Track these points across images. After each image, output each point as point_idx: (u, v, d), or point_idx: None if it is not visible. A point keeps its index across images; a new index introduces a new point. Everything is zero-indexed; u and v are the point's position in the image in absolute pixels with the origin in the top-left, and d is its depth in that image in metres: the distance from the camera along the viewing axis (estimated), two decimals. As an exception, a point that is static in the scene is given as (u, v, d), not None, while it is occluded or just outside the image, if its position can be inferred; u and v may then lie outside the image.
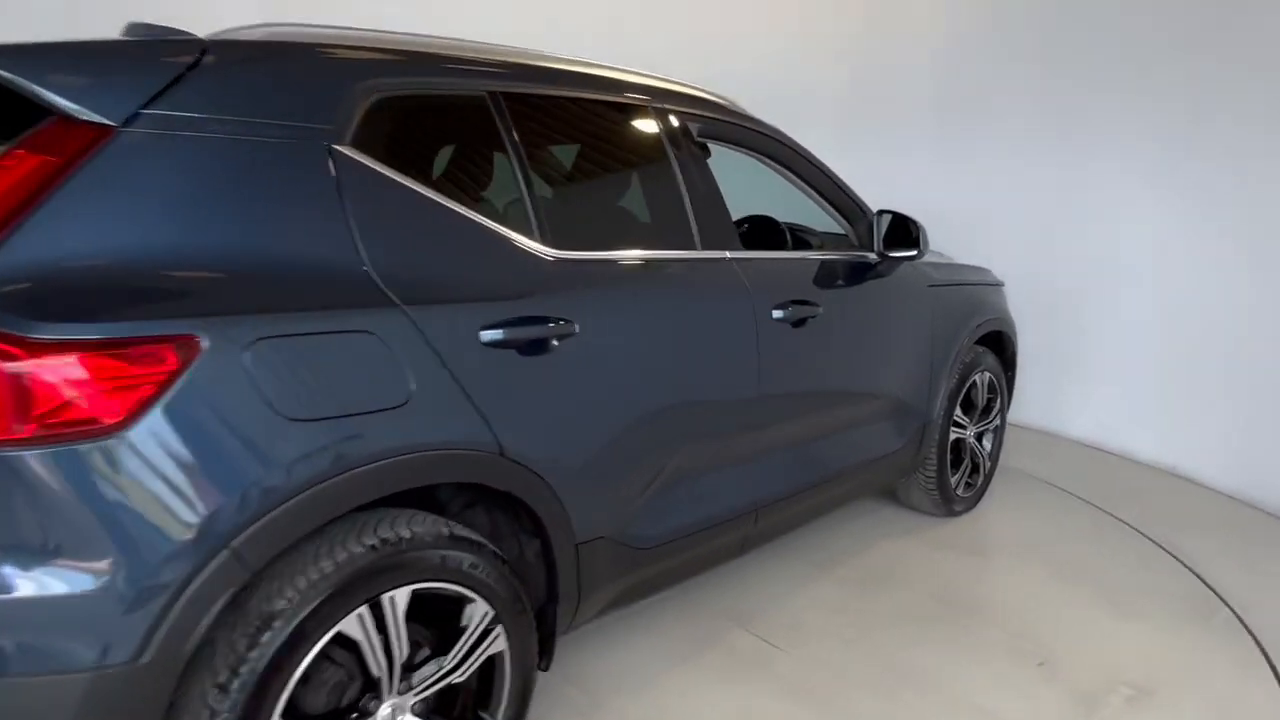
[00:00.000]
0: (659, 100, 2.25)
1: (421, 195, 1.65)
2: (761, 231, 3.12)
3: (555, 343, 1.76)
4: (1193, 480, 4.17)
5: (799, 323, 2.42)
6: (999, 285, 3.66)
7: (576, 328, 1.80)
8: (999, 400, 3.58)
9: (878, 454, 2.89)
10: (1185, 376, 4.25)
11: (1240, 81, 3.95)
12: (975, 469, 3.54)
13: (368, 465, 1.44)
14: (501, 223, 1.77)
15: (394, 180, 1.62)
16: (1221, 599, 2.91)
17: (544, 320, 1.74)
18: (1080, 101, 4.55)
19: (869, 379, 2.84)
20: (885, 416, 2.93)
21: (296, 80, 1.57)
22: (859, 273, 2.78)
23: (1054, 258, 4.73)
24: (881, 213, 2.82)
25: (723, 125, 2.46)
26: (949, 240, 3.82)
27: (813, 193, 2.79)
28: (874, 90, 5.55)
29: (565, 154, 2.16)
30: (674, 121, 2.26)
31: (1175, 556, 3.24)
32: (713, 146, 2.54)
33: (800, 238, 3.13)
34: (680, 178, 2.21)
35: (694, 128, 2.33)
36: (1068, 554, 3.21)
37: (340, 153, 1.55)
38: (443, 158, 1.85)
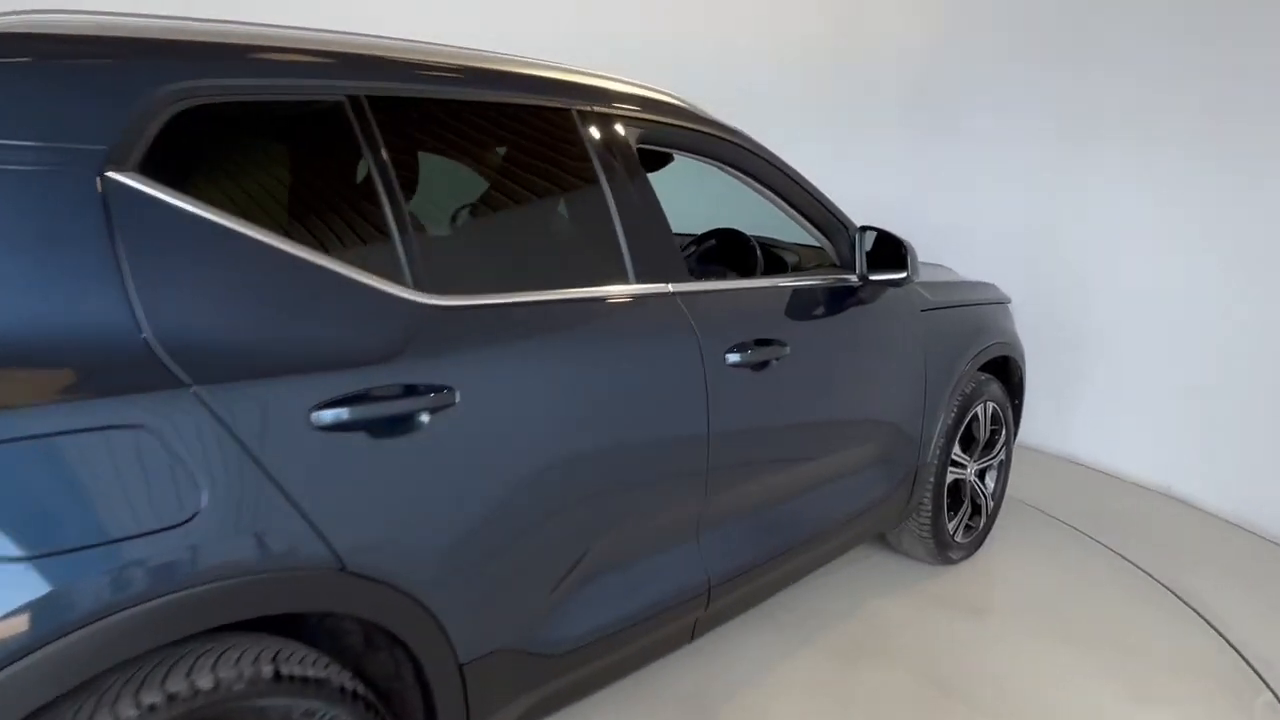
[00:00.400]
0: (584, 100, 1.84)
1: (236, 234, 1.26)
2: (729, 249, 2.73)
3: (425, 418, 1.38)
4: (1193, 505, 3.87)
5: (761, 366, 2.02)
6: (1005, 303, 3.25)
7: (457, 396, 1.41)
8: (1003, 432, 3.17)
9: (861, 507, 2.50)
10: (1190, 395, 3.93)
11: (1260, 78, 3.52)
12: (976, 510, 3.14)
13: (126, 611, 1.07)
14: (358, 264, 1.39)
15: (195, 216, 1.23)
16: (1260, 677, 2.51)
17: (409, 391, 1.36)
18: (1081, 100, 4.15)
19: (850, 425, 2.44)
20: (870, 464, 2.53)
21: (58, 88, 1.18)
22: (838, 300, 2.37)
23: (1045, 269, 4.37)
24: (865, 229, 2.42)
25: (672, 130, 2.06)
26: (929, 253, 3.45)
27: (784, 205, 2.38)
28: (844, 87, 5.11)
29: (454, 172, 1.75)
30: (604, 126, 1.86)
31: (1203, 616, 2.84)
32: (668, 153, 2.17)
33: (775, 255, 2.73)
34: (610, 195, 1.81)
35: (632, 134, 1.93)
36: (1079, 612, 2.81)
37: (115, 182, 1.17)
38: (276, 183, 1.45)
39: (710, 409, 1.88)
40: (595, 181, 1.81)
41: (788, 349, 2.08)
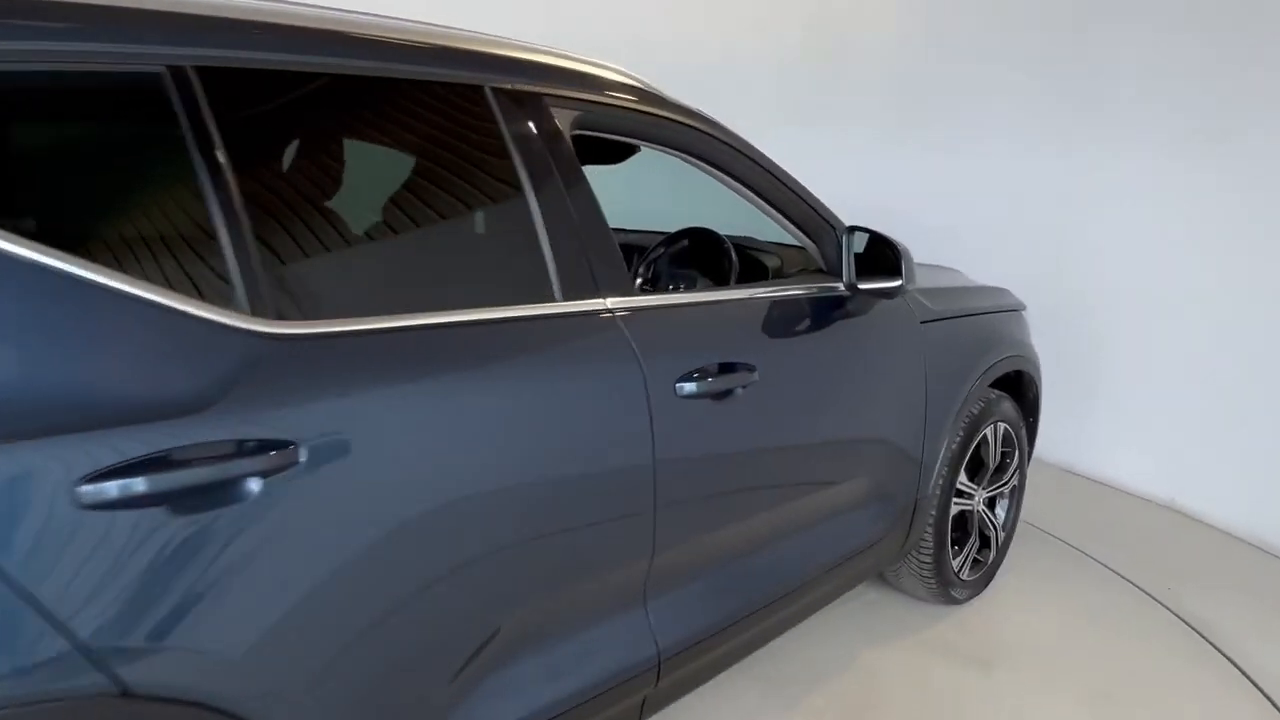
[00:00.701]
0: (502, 76, 1.51)
1: (-21, 249, 0.95)
2: (703, 251, 2.39)
3: (254, 485, 1.06)
4: (1201, 519, 3.58)
5: (723, 395, 1.69)
6: (1019, 310, 2.90)
7: (301, 454, 1.09)
8: (1016, 455, 2.83)
9: (848, 551, 2.17)
10: (1196, 403, 3.63)
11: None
12: (985, 543, 2.80)
13: None
14: (165, 283, 1.06)
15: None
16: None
17: (232, 450, 1.04)
18: (1087, 81, 3.77)
19: (834, 459, 2.10)
20: (860, 502, 2.20)
21: None
22: (822, 313, 2.04)
23: (1049, 270, 4.00)
24: (853, 230, 2.08)
25: (619, 114, 1.73)
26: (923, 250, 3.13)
27: (760, 202, 2.04)
28: (828, 66, 4.75)
29: (317, 165, 1.40)
30: (528, 108, 1.53)
31: (1239, 667, 2.49)
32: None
33: (752, 258, 2.39)
34: (531, 193, 1.48)
35: (566, 118, 1.60)
36: (1097, 661, 2.47)
37: None
38: (54, 178, 1.13)
39: (656, 450, 1.55)
40: (513, 175, 1.47)
41: (756, 374, 1.75)
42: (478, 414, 1.31)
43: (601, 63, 1.79)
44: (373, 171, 1.46)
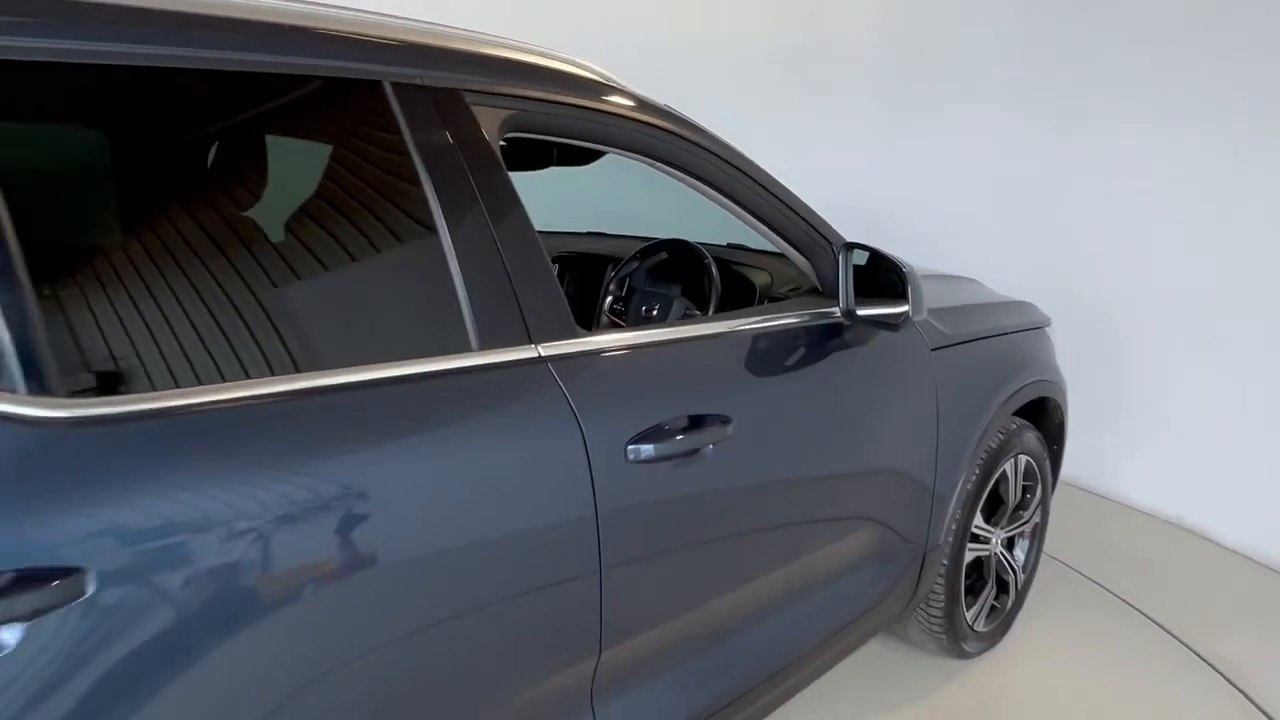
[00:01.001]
0: (409, 68, 1.21)
1: None
2: (683, 266, 2.10)
3: (17, 634, 0.78)
4: (1210, 538, 3.38)
5: (688, 455, 1.40)
6: (1042, 327, 2.58)
7: (89, 583, 0.82)
8: (1038, 489, 2.52)
9: (846, 618, 1.88)
10: (1207, 415, 3.39)
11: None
12: (1002, 588, 2.50)
13: None
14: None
15: None
16: None
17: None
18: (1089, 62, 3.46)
19: (826, 518, 1.79)
20: (857, 564, 1.90)
21: None
22: (814, 346, 1.73)
23: (1047, 272, 3.70)
24: (851, 247, 1.77)
25: (567, 113, 1.42)
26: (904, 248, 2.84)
27: (743, 213, 1.74)
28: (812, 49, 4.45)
29: (140, 183, 1.08)
30: (440, 108, 1.23)
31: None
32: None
33: (739, 274, 2.09)
34: (441, 217, 1.19)
35: (492, 120, 1.30)
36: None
37: None
38: None
39: (602, 530, 1.27)
40: (417, 193, 1.18)
41: (731, 428, 1.45)
42: (350, 508, 1.02)
43: (544, 50, 1.49)
44: (222, 192, 1.16)
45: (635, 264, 2.21)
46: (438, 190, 1.18)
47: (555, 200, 2.83)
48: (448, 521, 1.11)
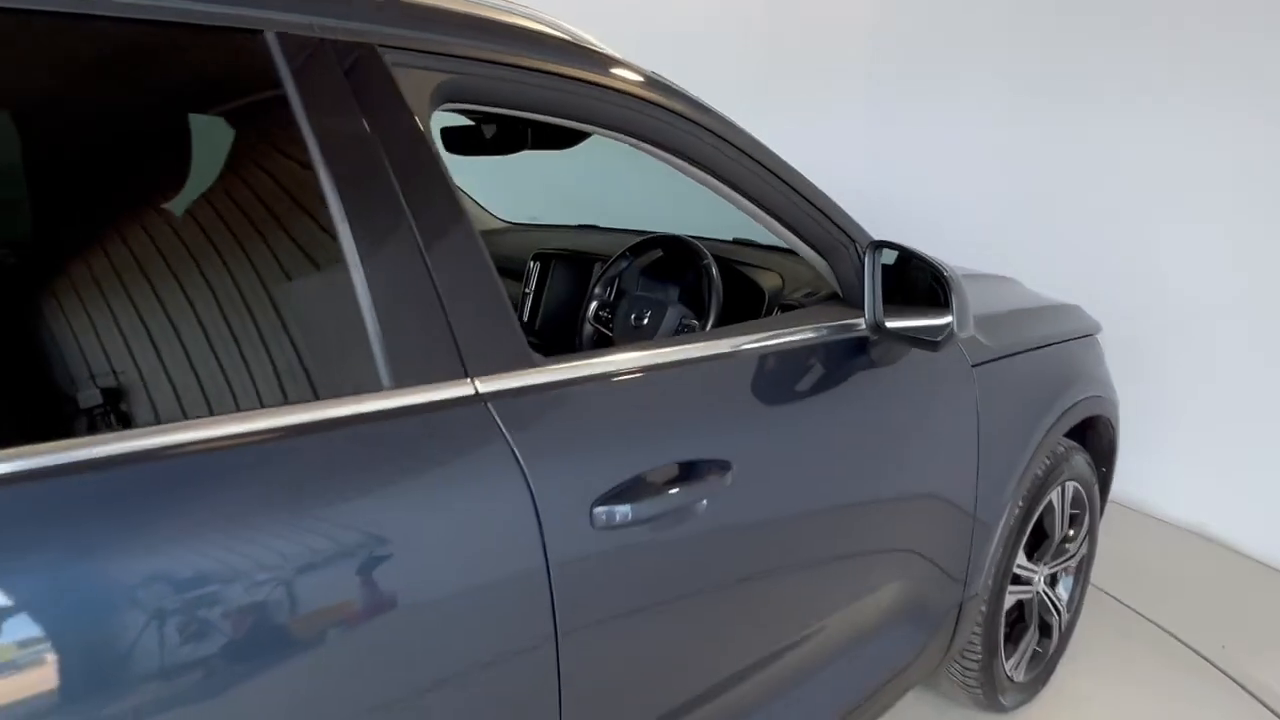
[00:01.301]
0: (304, 14, 0.91)
1: None
2: (682, 264, 1.80)
3: None
4: (1234, 549, 3.16)
5: (674, 514, 1.11)
6: (1093, 334, 2.26)
7: None
8: (1086, 518, 2.22)
9: (869, 687, 1.58)
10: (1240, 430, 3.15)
11: None
12: (1045, 631, 2.20)
13: None
14: None
15: None
16: None
17: None
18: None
19: (845, 576, 1.49)
20: (883, 625, 1.60)
21: None
22: (834, 367, 1.43)
23: (1065, 271, 3.38)
24: (879, 246, 1.46)
25: (526, 81, 1.12)
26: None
27: (749, 205, 1.43)
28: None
29: None
30: (352, 71, 0.93)
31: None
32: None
33: (744, 276, 1.79)
34: (342, 215, 0.89)
35: (422, 88, 1.00)
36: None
37: None
38: None
39: (559, 617, 0.98)
40: (309, 181, 0.89)
41: (730, 475, 1.16)
42: (195, 611, 0.74)
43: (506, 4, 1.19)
44: (37, 185, 0.86)
45: (625, 263, 1.91)
46: (337, 179, 0.89)
47: (535, 189, 2.55)
48: (338, 616, 0.82)
